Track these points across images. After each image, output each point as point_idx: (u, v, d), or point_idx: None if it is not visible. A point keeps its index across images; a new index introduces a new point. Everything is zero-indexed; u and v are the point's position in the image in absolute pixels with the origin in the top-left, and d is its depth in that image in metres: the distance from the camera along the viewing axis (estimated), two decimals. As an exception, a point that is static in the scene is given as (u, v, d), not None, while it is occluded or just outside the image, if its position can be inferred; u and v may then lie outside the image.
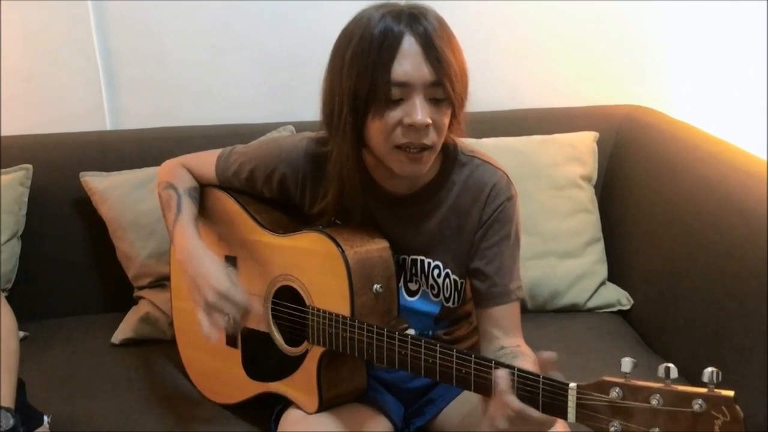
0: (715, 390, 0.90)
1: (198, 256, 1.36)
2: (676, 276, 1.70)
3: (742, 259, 1.47)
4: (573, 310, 1.93)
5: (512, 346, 1.30)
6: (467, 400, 1.35)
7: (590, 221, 1.99)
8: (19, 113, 2.09)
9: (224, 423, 1.52)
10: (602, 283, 1.95)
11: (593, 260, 1.96)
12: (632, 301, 1.91)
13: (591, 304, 1.92)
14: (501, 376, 1.06)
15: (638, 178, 1.95)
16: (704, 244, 1.60)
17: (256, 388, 1.46)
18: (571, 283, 1.92)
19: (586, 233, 1.97)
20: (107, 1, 2.06)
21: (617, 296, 1.93)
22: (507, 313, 1.33)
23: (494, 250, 1.33)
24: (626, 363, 0.97)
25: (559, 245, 1.94)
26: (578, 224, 1.97)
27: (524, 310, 1.89)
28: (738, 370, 1.41)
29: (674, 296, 1.70)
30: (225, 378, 1.53)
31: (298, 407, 1.36)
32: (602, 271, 1.96)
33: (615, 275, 1.97)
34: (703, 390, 0.91)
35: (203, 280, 1.32)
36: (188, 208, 1.45)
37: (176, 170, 1.53)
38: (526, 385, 1.05)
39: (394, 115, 1.20)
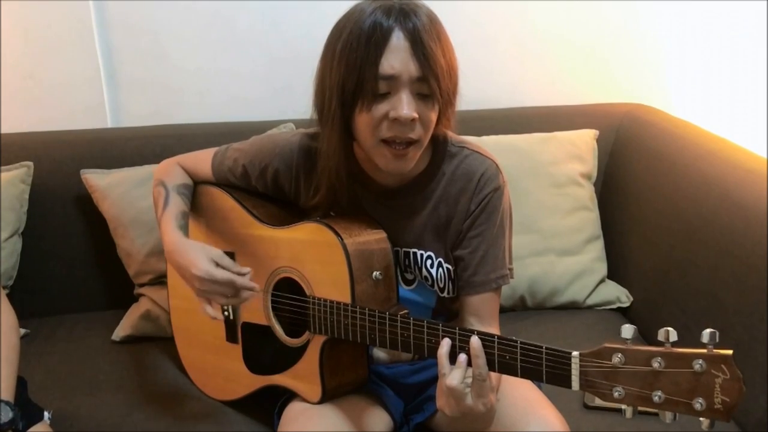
0: (714, 350, 0.92)
1: (180, 248, 1.36)
2: (676, 273, 1.70)
3: (741, 256, 1.47)
4: (572, 307, 1.93)
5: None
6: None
7: (590, 219, 1.99)
8: (20, 111, 2.10)
9: (226, 418, 1.52)
10: (602, 281, 1.95)
11: (593, 257, 1.96)
12: (632, 299, 1.91)
13: (590, 301, 1.93)
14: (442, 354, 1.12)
15: (638, 175, 1.95)
16: (704, 242, 1.60)
17: (258, 381, 1.46)
18: (570, 281, 1.92)
19: (586, 231, 1.98)
20: (108, -1, 2.08)
21: (617, 293, 1.93)
22: (484, 302, 1.35)
23: (478, 240, 1.34)
24: (627, 329, 0.99)
25: (558, 242, 1.94)
26: (578, 222, 1.97)
27: (524, 307, 1.92)
28: (738, 366, 1.41)
29: (674, 293, 1.70)
30: (226, 374, 1.53)
31: (301, 399, 1.37)
32: (602, 268, 1.97)
33: (614, 272, 1.98)
34: (703, 350, 0.93)
35: (186, 270, 1.33)
36: (175, 204, 1.46)
37: (170, 168, 1.54)
38: (530, 356, 1.06)
39: (381, 108, 1.20)
